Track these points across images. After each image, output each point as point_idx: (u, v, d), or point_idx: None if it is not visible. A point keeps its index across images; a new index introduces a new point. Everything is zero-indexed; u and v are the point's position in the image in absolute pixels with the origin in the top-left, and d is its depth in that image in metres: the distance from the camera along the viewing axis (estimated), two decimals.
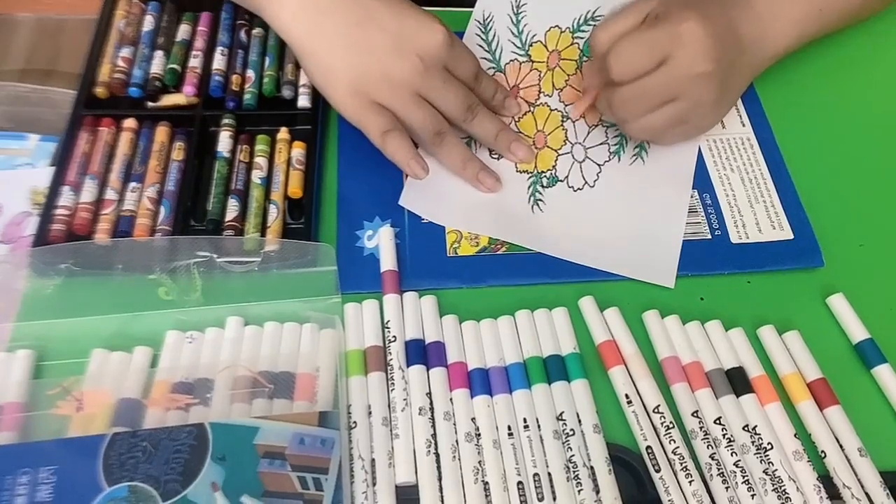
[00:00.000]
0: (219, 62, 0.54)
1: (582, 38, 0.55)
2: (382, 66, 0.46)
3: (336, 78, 0.47)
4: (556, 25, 0.55)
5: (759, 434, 0.43)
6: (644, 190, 0.53)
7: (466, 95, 0.49)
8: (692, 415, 0.43)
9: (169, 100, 0.53)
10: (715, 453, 0.42)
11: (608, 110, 0.51)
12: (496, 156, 0.53)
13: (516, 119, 0.54)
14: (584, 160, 0.54)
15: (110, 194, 0.48)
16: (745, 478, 0.41)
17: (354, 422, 0.41)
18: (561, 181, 0.53)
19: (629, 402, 0.43)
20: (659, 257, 0.50)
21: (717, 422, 0.43)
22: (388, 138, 0.48)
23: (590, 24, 0.55)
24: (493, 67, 0.54)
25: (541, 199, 0.52)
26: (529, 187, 0.52)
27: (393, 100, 0.47)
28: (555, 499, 0.40)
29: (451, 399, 0.43)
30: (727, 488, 0.41)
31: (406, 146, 0.48)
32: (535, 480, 0.40)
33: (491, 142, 0.52)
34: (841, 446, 0.43)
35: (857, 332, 0.47)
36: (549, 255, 0.49)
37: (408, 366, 0.44)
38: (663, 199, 0.53)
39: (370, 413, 0.42)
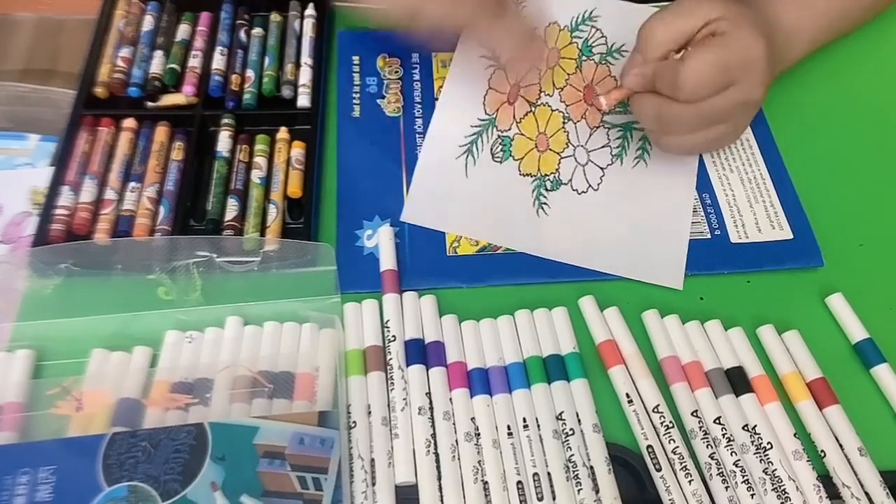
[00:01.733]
0: (218, 62, 0.54)
1: (580, 37, 0.55)
2: None
3: None
4: (555, 22, 0.55)
5: (759, 434, 0.43)
6: (648, 192, 0.53)
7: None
8: (692, 414, 0.43)
9: (168, 100, 0.53)
10: (714, 453, 0.42)
11: (651, 121, 0.48)
12: (498, 159, 0.53)
13: (518, 120, 0.54)
14: (586, 163, 0.54)
15: (110, 194, 0.48)
16: (745, 477, 0.41)
17: (354, 421, 0.41)
18: (565, 184, 0.53)
19: (629, 402, 0.43)
20: (666, 259, 0.50)
21: (717, 421, 0.43)
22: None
23: (587, 24, 0.55)
24: (493, 65, 0.54)
25: (545, 203, 0.52)
26: (534, 191, 0.52)
27: None
28: (554, 498, 0.40)
29: (450, 399, 0.43)
30: (727, 488, 0.41)
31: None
32: (534, 480, 0.40)
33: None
34: (841, 446, 0.43)
35: (857, 331, 0.47)
36: None
37: (407, 365, 0.44)
38: (667, 201, 0.52)
39: (370, 413, 0.42)
